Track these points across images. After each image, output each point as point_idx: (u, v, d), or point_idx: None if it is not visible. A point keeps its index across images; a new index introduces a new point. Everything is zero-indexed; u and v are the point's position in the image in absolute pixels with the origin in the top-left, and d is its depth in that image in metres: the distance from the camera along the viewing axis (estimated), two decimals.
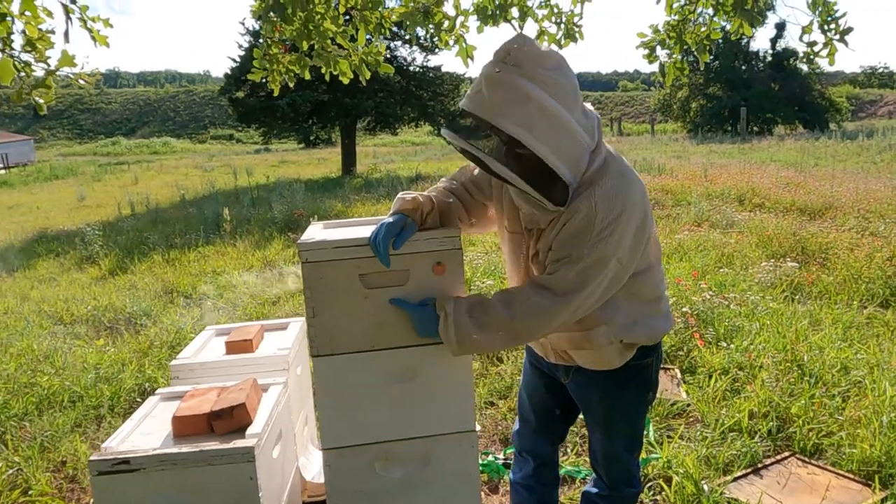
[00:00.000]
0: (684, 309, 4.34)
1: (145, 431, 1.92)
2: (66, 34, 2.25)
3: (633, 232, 1.57)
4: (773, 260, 5.87)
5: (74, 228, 10.15)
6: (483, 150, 1.51)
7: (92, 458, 1.74)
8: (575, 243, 1.54)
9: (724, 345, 3.93)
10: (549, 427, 2.07)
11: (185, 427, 1.86)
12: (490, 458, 2.93)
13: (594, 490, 2.01)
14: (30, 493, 2.83)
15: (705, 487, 2.57)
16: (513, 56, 1.46)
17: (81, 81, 2.37)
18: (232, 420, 1.87)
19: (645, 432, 3.08)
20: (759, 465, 2.80)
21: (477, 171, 1.83)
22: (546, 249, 1.63)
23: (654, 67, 3.54)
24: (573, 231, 1.54)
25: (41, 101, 2.28)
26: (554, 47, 3.36)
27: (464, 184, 1.84)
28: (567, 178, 1.49)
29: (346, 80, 3.22)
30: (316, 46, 3.06)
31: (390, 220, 1.69)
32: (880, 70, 59.31)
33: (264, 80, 3.26)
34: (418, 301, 1.70)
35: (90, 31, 2.49)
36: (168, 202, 13.44)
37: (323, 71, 3.17)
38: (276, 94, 3.34)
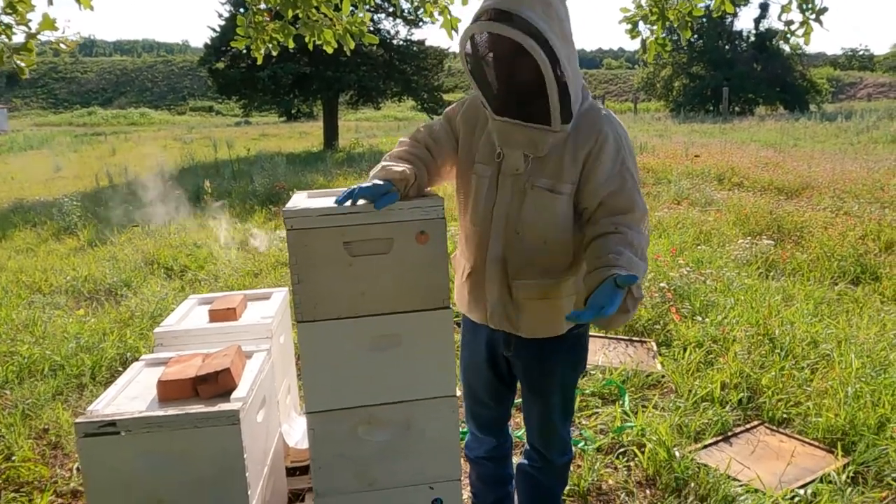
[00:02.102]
0: (662, 284, 4.43)
1: (130, 396, 1.94)
2: None
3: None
4: (749, 238, 5.98)
5: (51, 199, 9.99)
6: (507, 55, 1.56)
7: (78, 420, 1.76)
8: (620, 164, 1.66)
9: (700, 319, 4.03)
10: (501, 401, 2.07)
11: (170, 391, 1.88)
12: None
13: (528, 462, 2.06)
14: (13, 459, 2.84)
15: (677, 454, 2.66)
16: None
17: (63, 46, 2.34)
18: (217, 385, 1.89)
19: (620, 402, 3.17)
20: (730, 433, 2.90)
21: (436, 126, 1.87)
22: (558, 177, 1.67)
23: (637, 44, 3.57)
24: (611, 154, 1.65)
25: (23, 64, 2.24)
26: None
27: (426, 145, 1.83)
28: (574, 94, 1.59)
29: (329, 50, 3.20)
30: (301, 15, 3.03)
31: (379, 182, 1.69)
32: (860, 52, 59.84)
33: (247, 49, 3.23)
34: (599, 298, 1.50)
35: None
36: (147, 174, 13.25)
37: (307, 40, 3.14)
38: (259, 62, 3.32)
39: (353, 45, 3.21)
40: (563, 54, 1.54)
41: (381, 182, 1.69)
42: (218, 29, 17.83)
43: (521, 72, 1.58)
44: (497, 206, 1.75)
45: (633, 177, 1.68)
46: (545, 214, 1.69)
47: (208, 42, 18.16)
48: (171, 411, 1.78)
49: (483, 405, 2.08)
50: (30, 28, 2.22)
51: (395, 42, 18.70)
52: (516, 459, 2.18)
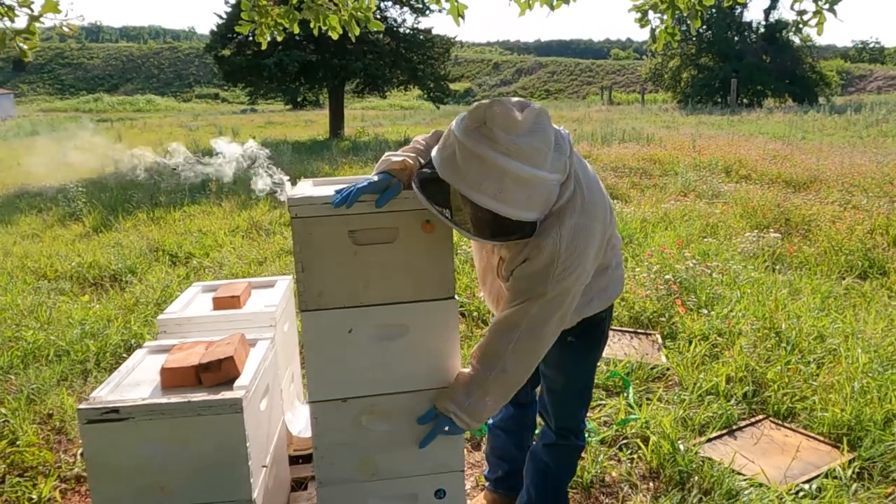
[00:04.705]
0: (667, 276, 4.40)
1: (133, 382, 1.93)
2: None
3: (594, 256, 1.66)
4: (756, 231, 5.94)
5: (57, 185, 10.00)
6: (454, 215, 1.62)
7: (80, 406, 1.75)
8: (537, 280, 1.61)
9: (705, 312, 4.00)
10: None
11: (173, 379, 1.88)
12: None
13: (541, 441, 2.09)
14: (17, 443, 2.85)
15: (681, 447, 2.65)
16: (488, 126, 1.46)
17: (65, 29, 2.32)
18: (220, 373, 1.88)
19: (624, 394, 3.16)
20: (734, 427, 2.88)
21: None
22: (509, 267, 1.68)
23: (646, 33, 3.52)
24: (535, 269, 1.60)
25: (25, 47, 2.23)
26: (546, 9, 3.33)
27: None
28: (536, 218, 1.56)
29: (335, 36, 3.17)
30: None
31: (375, 178, 1.69)
32: (871, 45, 59.23)
33: (251, 35, 3.19)
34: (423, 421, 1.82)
35: None
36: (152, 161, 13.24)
37: (312, 25, 3.11)
38: (263, 47, 3.29)
39: (357, 32, 3.18)
40: (523, 206, 1.49)
41: (376, 178, 1.69)
42: (224, 16, 17.76)
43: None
44: (486, 267, 1.90)
45: (553, 291, 1.60)
46: None
47: (214, 29, 18.09)
48: (174, 399, 1.78)
49: None
50: (32, 10, 2.21)
51: (401, 30, 18.59)
52: None
